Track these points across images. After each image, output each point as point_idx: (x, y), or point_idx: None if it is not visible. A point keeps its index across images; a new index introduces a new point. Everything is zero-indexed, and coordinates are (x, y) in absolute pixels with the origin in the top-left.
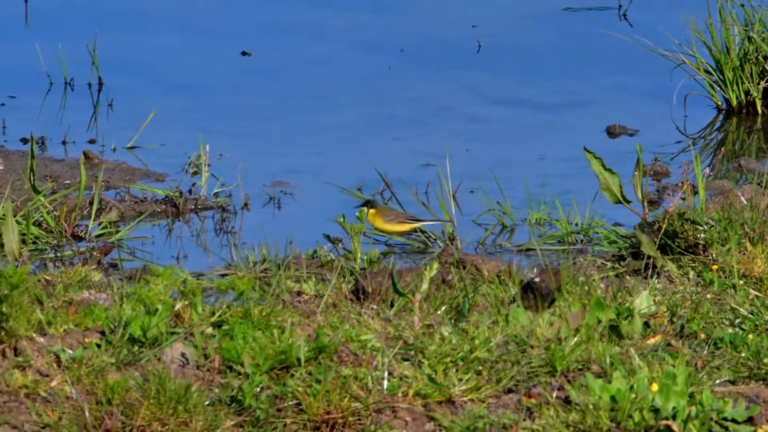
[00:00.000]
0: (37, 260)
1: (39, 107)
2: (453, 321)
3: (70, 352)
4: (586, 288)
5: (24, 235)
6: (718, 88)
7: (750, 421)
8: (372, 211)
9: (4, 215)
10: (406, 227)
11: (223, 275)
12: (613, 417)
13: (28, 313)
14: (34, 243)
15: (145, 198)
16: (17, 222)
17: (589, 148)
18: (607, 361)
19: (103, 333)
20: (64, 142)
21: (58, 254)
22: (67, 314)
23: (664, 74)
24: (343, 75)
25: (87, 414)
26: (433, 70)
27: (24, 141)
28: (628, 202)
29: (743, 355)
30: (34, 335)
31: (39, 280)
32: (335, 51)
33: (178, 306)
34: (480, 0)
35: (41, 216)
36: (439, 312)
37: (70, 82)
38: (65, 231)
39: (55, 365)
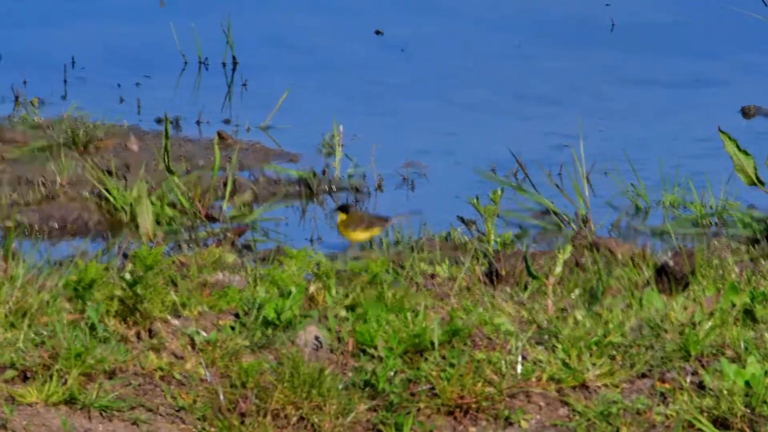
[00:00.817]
0: (172, 241)
1: (173, 87)
2: (586, 305)
3: (205, 334)
4: (721, 272)
5: (158, 216)
6: None
7: None
8: (342, 216)
9: (138, 196)
10: (365, 235)
11: (356, 257)
12: (747, 402)
13: (163, 294)
14: (169, 224)
15: (278, 179)
16: (151, 203)
17: (724, 128)
18: (742, 345)
19: (237, 315)
20: (198, 122)
21: (192, 235)
22: (201, 296)
23: None
24: (473, 54)
25: (221, 397)
26: (565, 48)
27: (158, 121)
28: (763, 183)
29: None
30: (169, 317)
31: (173, 262)
32: (466, 29)
33: (311, 288)
34: None
35: (175, 197)
36: (572, 295)
37: (205, 61)
38: (199, 212)
39: (189, 347)
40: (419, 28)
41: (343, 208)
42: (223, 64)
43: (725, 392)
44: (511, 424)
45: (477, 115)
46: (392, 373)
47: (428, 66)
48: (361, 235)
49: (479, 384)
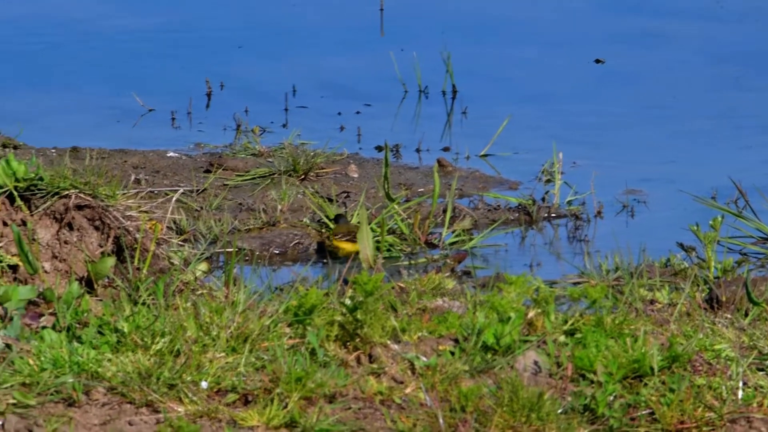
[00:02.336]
0: (391, 267)
1: (393, 115)
2: None
3: (424, 359)
4: None
5: (378, 242)
6: None
7: None
8: (334, 226)
9: (359, 223)
10: (351, 246)
11: (575, 283)
12: None
13: (383, 320)
14: (388, 250)
15: (498, 206)
16: (372, 229)
17: None
18: None
19: (456, 340)
20: (418, 150)
21: (412, 261)
22: (420, 321)
23: None
24: (691, 83)
25: (441, 421)
26: None
27: (378, 149)
28: None
29: None
30: (389, 342)
31: (393, 288)
32: (685, 59)
33: (530, 314)
34: None
35: (395, 223)
36: None
37: (425, 90)
38: (419, 238)
39: (409, 372)
40: (639, 58)
41: (335, 218)
42: (443, 93)
43: None
44: None
45: (697, 143)
46: (612, 398)
47: (648, 95)
48: (346, 246)
49: (699, 409)
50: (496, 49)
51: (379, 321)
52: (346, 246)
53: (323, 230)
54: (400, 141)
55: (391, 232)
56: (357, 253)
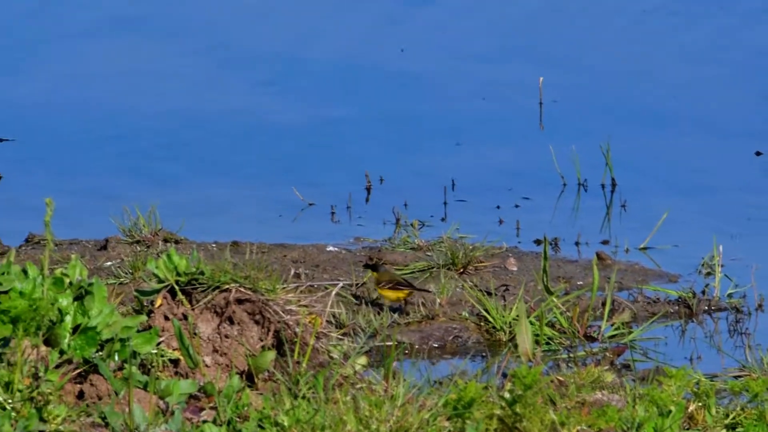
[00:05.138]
0: (550, 360)
1: (552, 208)
2: None
3: None
4: None
5: (537, 335)
6: None
7: None
8: (373, 274)
9: (518, 316)
10: (400, 294)
11: (736, 377)
12: None
13: (542, 413)
14: (547, 343)
15: (657, 299)
16: (530, 323)
17: None
18: None
19: None
20: (576, 243)
21: (571, 354)
22: (580, 415)
23: None
24: None
25: None
26: None
27: (537, 242)
28: None
29: None
30: None
31: (552, 381)
32: None
33: (691, 407)
34: None
35: (554, 317)
36: None
37: (584, 183)
38: (578, 331)
39: None
40: None
41: (373, 267)
42: (602, 186)
43: None
44: None
45: None
46: None
47: None
48: (391, 294)
49: None
50: (655, 140)
51: (538, 414)
52: (390, 294)
53: (482, 323)
54: (559, 234)
55: (550, 325)
56: (399, 299)
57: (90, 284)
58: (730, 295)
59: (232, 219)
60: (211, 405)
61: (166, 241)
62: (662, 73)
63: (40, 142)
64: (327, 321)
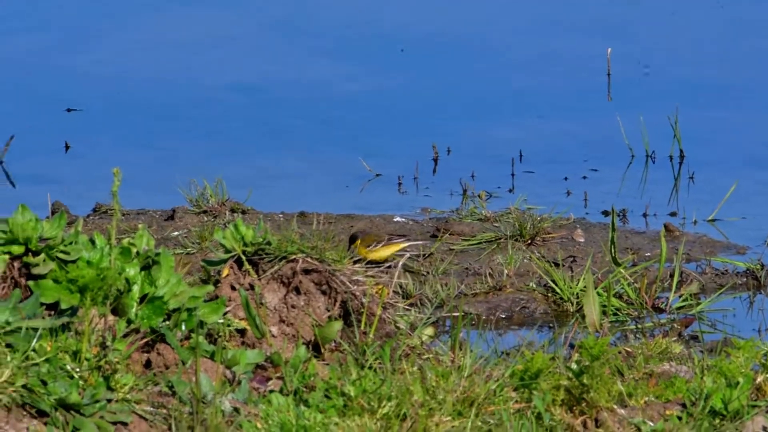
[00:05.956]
0: (618, 332)
1: (620, 180)
2: None
3: (651, 424)
4: None
5: (604, 306)
6: None
7: None
8: (357, 242)
9: (585, 287)
10: (391, 250)
11: None
12: None
13: (609, 384)
14: (615, 314)
15: (726, 270)
16: (598, 294)
17: None
18: None
19: (683, 405)
20: (644, 215)
21: (639, 326)
22: (647, 386)
23: None
24: None
25: None
26: None
27: (605, 214)
28: None
29: None
30: (615, 407)
31: (619, 352)
32: None
33: (759, 379)
34: None
35: (622, 288)
36: None
37: (652, 154)
38: (645, 303)
39: None
40: None
41: (353, 238)
42: (670, 158)
43: None
44: None
45: None
46: None
47: None
48: (383, 252)
49: None
50: (723, 113)
51: (605, 385)
52: (385, 252)
53: (549, 294)
54: (627, 206)
55: (618, 296)
56: (390, 255)
57: (157, 254)
58: None
59: (299, 189)
60: (278, 375)
61: (233, 211)
62: (731, 47)
63: (109, 112)
64: (394, 291)
